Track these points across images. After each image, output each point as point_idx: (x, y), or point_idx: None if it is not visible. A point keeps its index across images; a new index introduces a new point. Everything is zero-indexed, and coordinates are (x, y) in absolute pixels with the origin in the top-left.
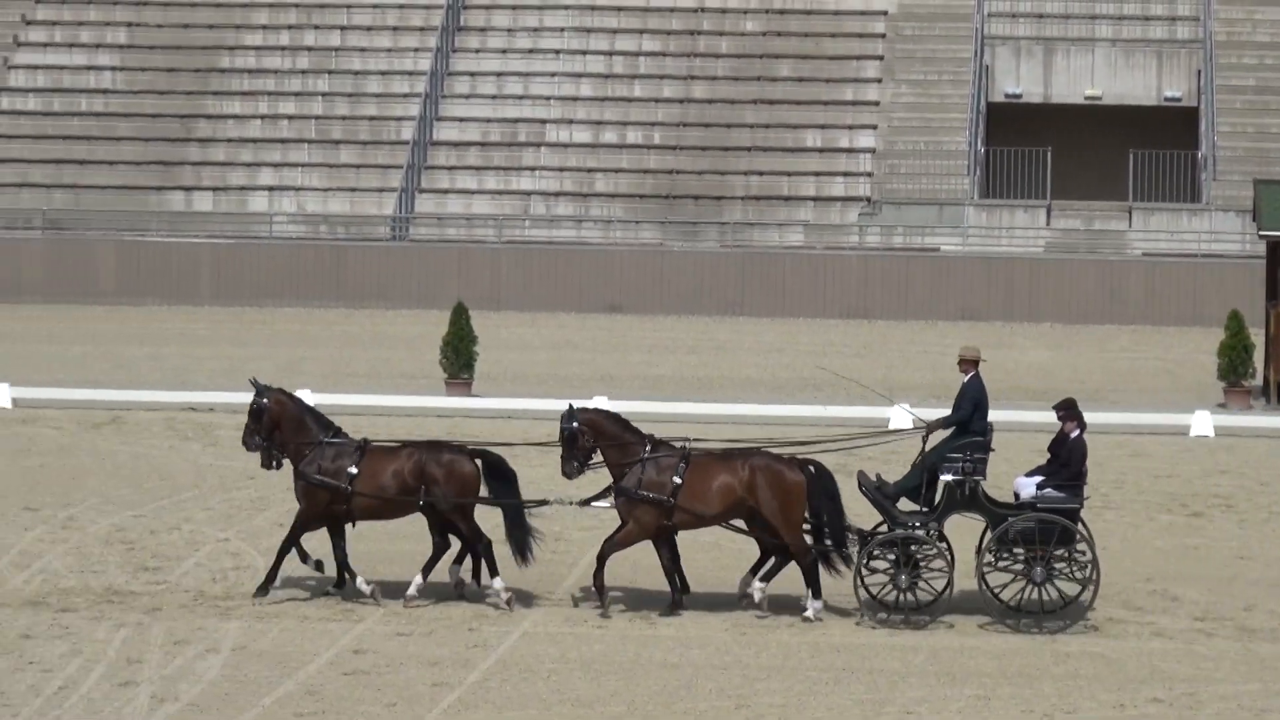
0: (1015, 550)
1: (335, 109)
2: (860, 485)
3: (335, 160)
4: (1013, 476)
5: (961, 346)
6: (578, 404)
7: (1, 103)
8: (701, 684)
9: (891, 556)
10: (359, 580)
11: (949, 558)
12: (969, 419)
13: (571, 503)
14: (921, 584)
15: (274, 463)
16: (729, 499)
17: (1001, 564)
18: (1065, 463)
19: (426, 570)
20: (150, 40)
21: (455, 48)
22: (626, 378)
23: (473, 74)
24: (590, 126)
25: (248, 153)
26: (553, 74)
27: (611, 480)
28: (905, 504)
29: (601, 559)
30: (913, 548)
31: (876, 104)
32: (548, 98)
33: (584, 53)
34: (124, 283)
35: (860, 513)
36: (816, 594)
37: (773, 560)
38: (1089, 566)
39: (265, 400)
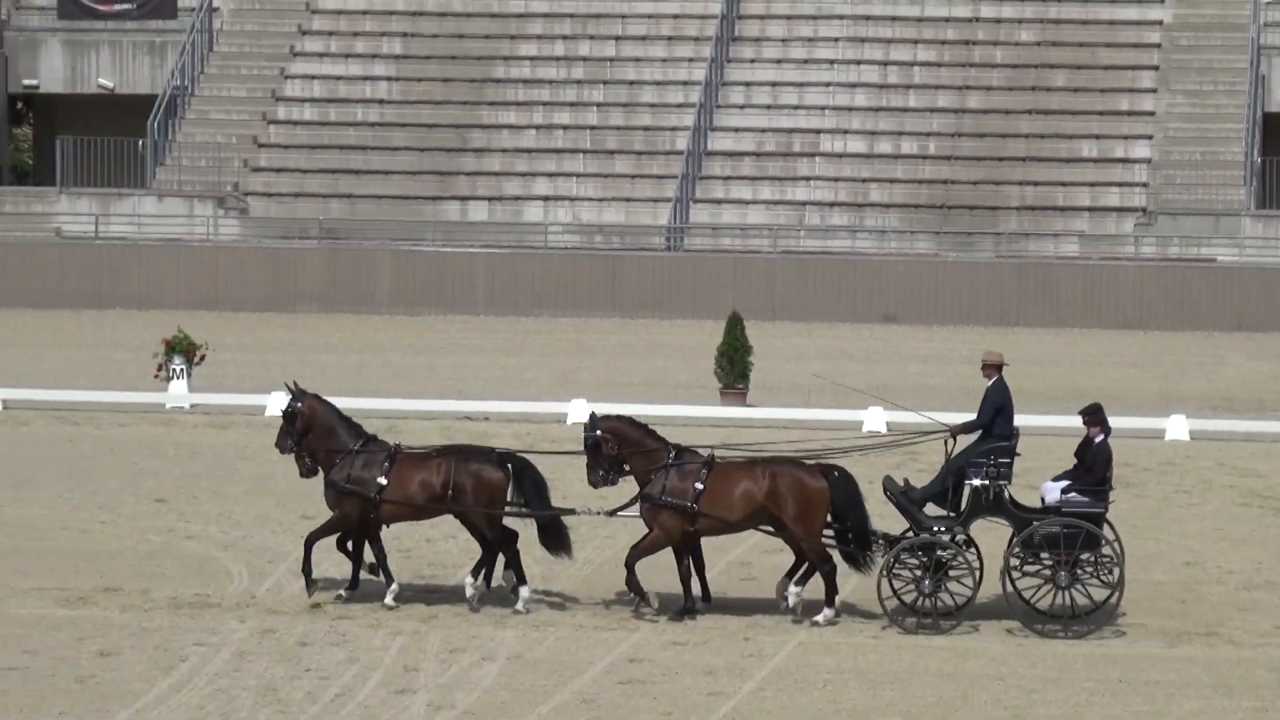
0: (1041, 555)
1: (610, 119)
2: (886, 490)
3: (610, 170)
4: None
5: (984, 352)
6: (601, 411)
7: (278, 113)
8: (977, 694)
9: (916, 561)
10: (391, 588)
11: (975, 563)
12: (991, 423)
13: (599, 513)
14: (948, 589)
15: (307, 471)
16: (750, 505)
17: (1028, 569)
18: (1089, 468)
19: (487, 574)
20: (426, 50)
21: (730, 58)
22: (901, 388)
23: (747, 84)
24: (865, 136)
25: (523, 163)
26: (827, 84)
27: (638, 489)
28: (932, 509)
29: (629, 566)
30: (938, 553)
31: (1152, 114)
32: (822, 108)
33: (858, 62)
34: (400, 292)
35: (886, 517)
36: (830, 602)
37: (807, 564)
38: (1115, 571)
39: (299, 404)
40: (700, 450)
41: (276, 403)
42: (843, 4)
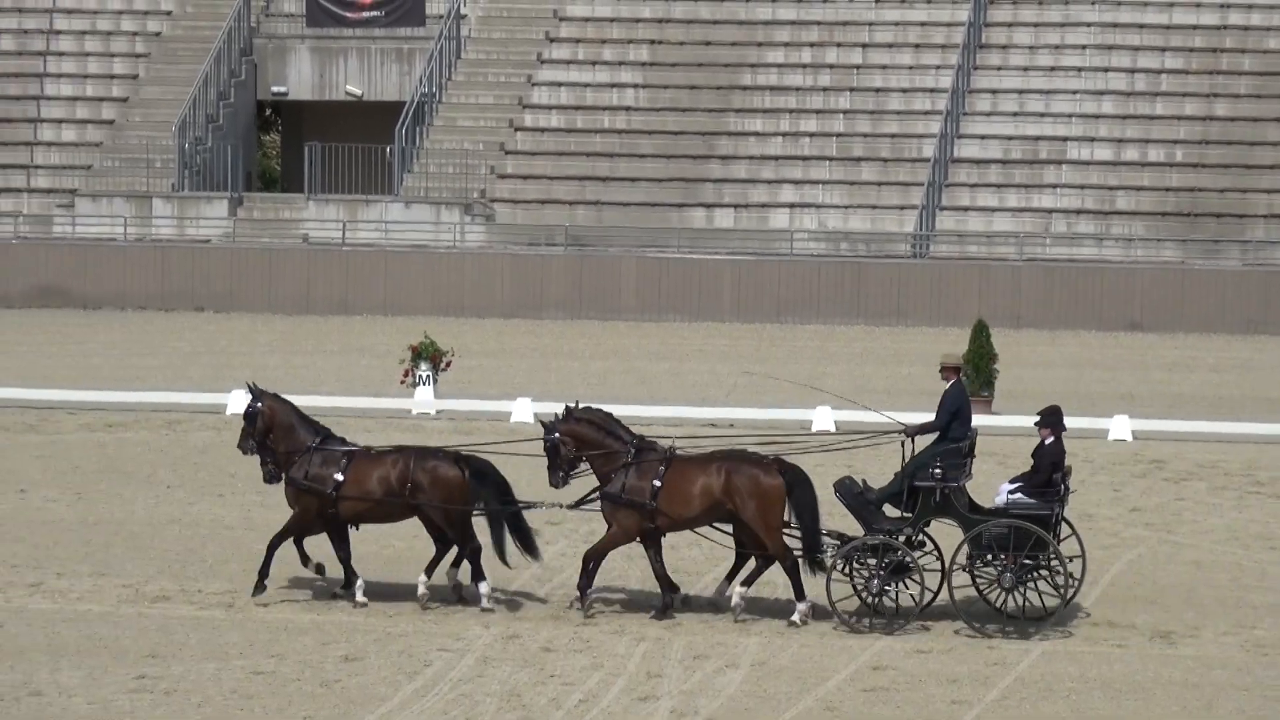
0: (991, 556)
1: (856, 126)
2: (837, 492)
3: (856, 177)
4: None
5: (942, 355)
6: (580, 405)
7: (525, 120)
8: (1222, 704)
9: (867, 562)
10: (357, 585)
11: (930, 564)
12: (947, 426)
13: (563, 506)
14: (904, 588)
15: (270, 476)
16: (708, 501)
17: (977, 570)
18: (1036, 469)
19: (431, 569)
20: (672, 58)
21: (976, 65)
22: (1147, 396)
23: (994, 91)
24: (1112, 144)
25: (769, 170)
26: (1074, 91)
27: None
28: (892, 511)
29: (586, 562)
30: (885, 555)
31: None
32: (1069, 115)
33: (1105, 70)
34: (645, 299)
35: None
36: (800, 595)
37: (754, 564)
38: (1064, 572)
39: (259, 405)
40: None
41: (521, 409)
42: (1090, 12)
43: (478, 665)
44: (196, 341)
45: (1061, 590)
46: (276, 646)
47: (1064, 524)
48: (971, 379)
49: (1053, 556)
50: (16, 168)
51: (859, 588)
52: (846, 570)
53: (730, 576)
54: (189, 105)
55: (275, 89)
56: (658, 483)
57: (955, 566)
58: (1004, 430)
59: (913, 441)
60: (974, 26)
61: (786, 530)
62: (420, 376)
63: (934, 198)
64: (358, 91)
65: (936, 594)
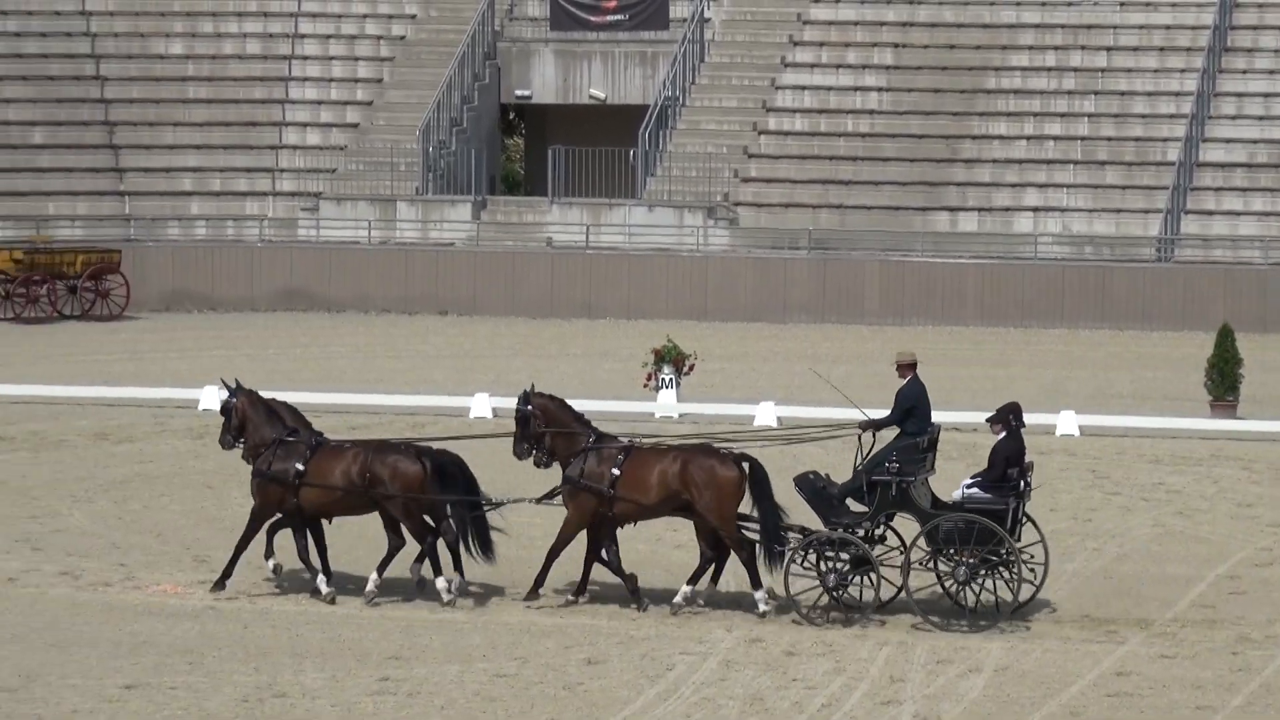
0: (949, 551)
1: (1101, 130)
2: (798, 486)
3: (1100, 181)
4: None
5: (897, 352)
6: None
7: (769, 123)
8: None
9: (823, 556)
10: (319, 580)
11: (884, 557)
12: (903, 421)
13: (528, 500)
14: (860, 583)
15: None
16: (665, 490)
17: (933, 564)
18: (990, 465)
19: (394, 563)
20: (916, 61)
21: (1221, 68)
22: None
23: (1239, 95)
24: None
25: (1013, 173)
26: None
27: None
28: (856, 505)
29: (550, 555)
30: (846, 549)
31: None
32: None
33: None
34: (888, 302)
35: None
36: (757, 584)
37: (713, 566)
38: (1019, 567)
39: (234, 400)
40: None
41: (764, 413)
42: None
43: (720, 669)
44: (440, 345)
45: (1013, 585)
46: (519, 649)
47: (1027, 520)
48: (1216, 384)
49: (1007, 551)
50: (262, 171)
51: (824, 582)
52: (805, 563)
53: (712, 577)
54: (433, 109)
55: (519, 92)
56: (616, 471)
57: (916, 561)
58: (1250, 435)
59: (874, 437)
60: (1219, 30)
61: (746, 523)
62: (663, 380)
63: (1178, 201)
64: (601, 95)
65: (900, 589)
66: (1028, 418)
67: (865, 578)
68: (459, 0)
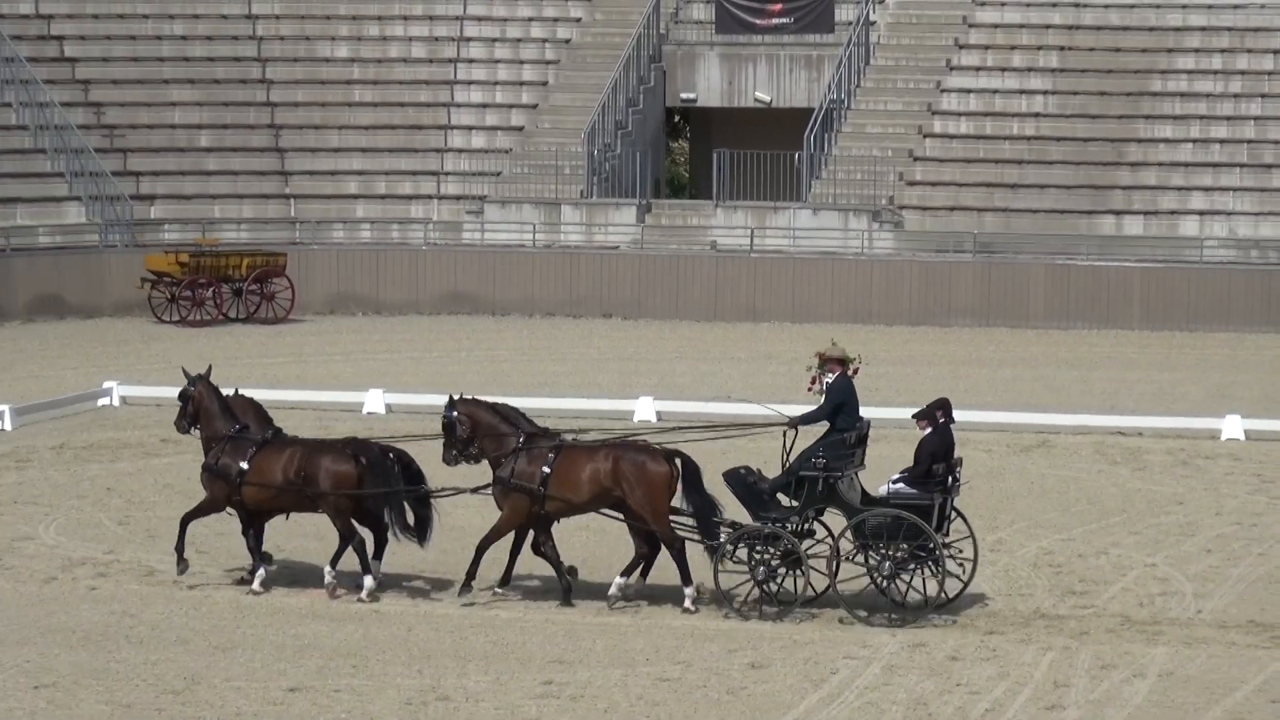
0: (875, 546)
1: (1267, 133)
2: (727, 481)
3: (1267, 184)
4: None
5: (827, 347)
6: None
7: (934, 126)
8: None
9: (752, 551)
10: (258, 572)
11: (811, 552)
12: (831, 416)
13: (462, 491)
14: (796, 576)
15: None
16: (596, 488)
17: (859, 559)
18: (915, 460)
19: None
20: (1081, 64)
21: None
22: None
23: None
24: None
25: (1179, 176)
26: None
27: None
28: (787, 501)
29: (479, 550)
30: (775, 544)
31: None
32: None
33: None
34: (1053, 306)
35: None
36: (687, 581)
37: (644, 562)
38: (943, 562)
39: (191, 389)
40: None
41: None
42: None
43: (883, 673)
44: (604, 348)
45: (940, 578)
46: (682, 653)
47: (957, 515)
48: None
49: (931, 546)
50: (427, 175)
51: (753, 576)
52: (736, 558)
53: (642, 572)
54: (598, 112)
55: (684, 95)
56: (547, 469)
57: (843, 556)
58: None
59: (795, 432)
60: None
61: (679, 519)
62: (827, 383)
63: None
64: (766, 98)
65: (831, 583)
66: (1193, 422)
67: (796, 572)
68: (625, 3)
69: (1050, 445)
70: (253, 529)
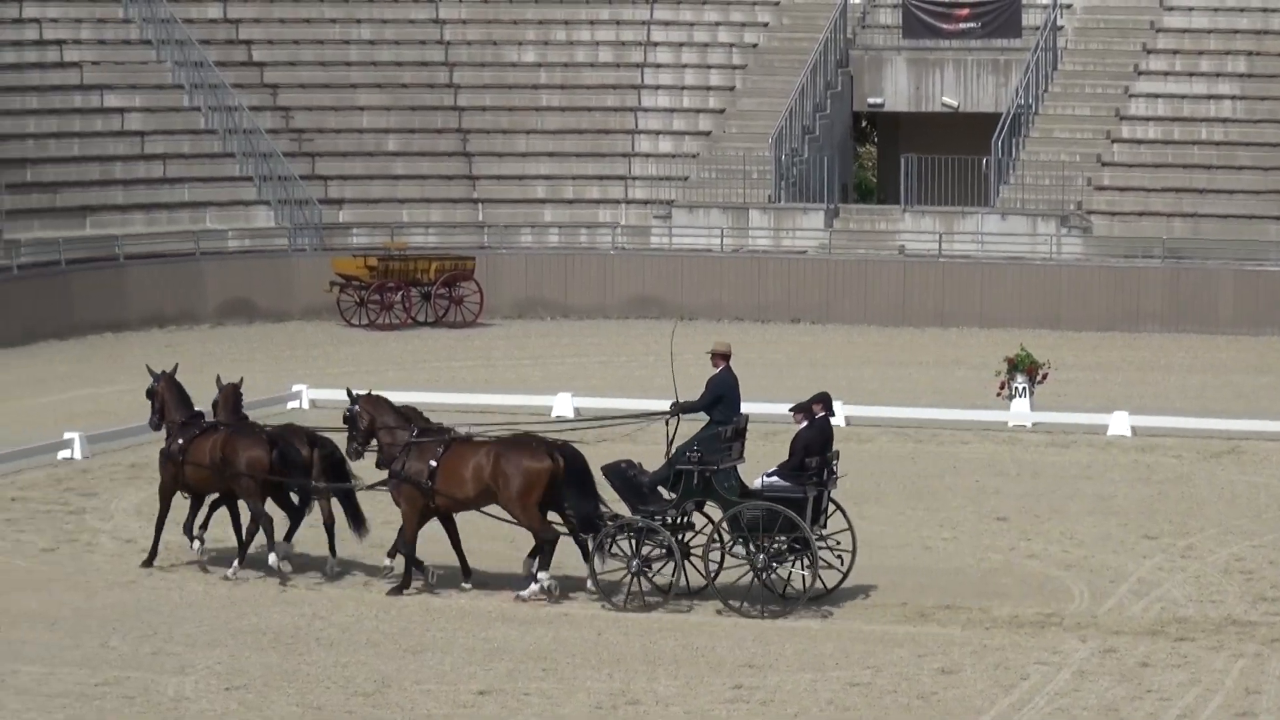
0: (750, 538)
1: None
2: (606, 475)
3: None
4: None
5: (714, 341)
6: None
7: (1122, 131)
8: None
9: (632, 543)
10: (193, 546)
11: (690, 545)
12: (710, 409)
13: (363, 487)
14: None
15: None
16: (479, 483)
17: (737, 550)
18: (790, 453)
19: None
20: (1271, 69)
21: None
22: None
23: None
24: None
25: None
26: None
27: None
28: (668, 494)
29: (407, 557)
30: (651, 537)
31: None
32: None
33: None
34: (1243, 312)
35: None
36: (543, 570)
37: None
38: (814, 554)
39: (156, 384)
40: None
41: (1118, 423)
42: None
43: (1074, 679)
44: (791, 353)
45: (812, 570)
46: (872, 658)
47: (836, 509)
48: None
49: (804, 538)
50: (614, 179)
51: (630, 568)
52: (614, 551)
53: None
54: (785, 116)
55: (871, 100)
56: (434, 463)
57: (716, 548)
58: None
59: (678, 421)
60: None
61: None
62: (1016, 389)
63: None
64: (954, 103)
65: (716, 574)
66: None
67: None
68: (812, 8)
69: (1240, 452)
70: (192, 509)
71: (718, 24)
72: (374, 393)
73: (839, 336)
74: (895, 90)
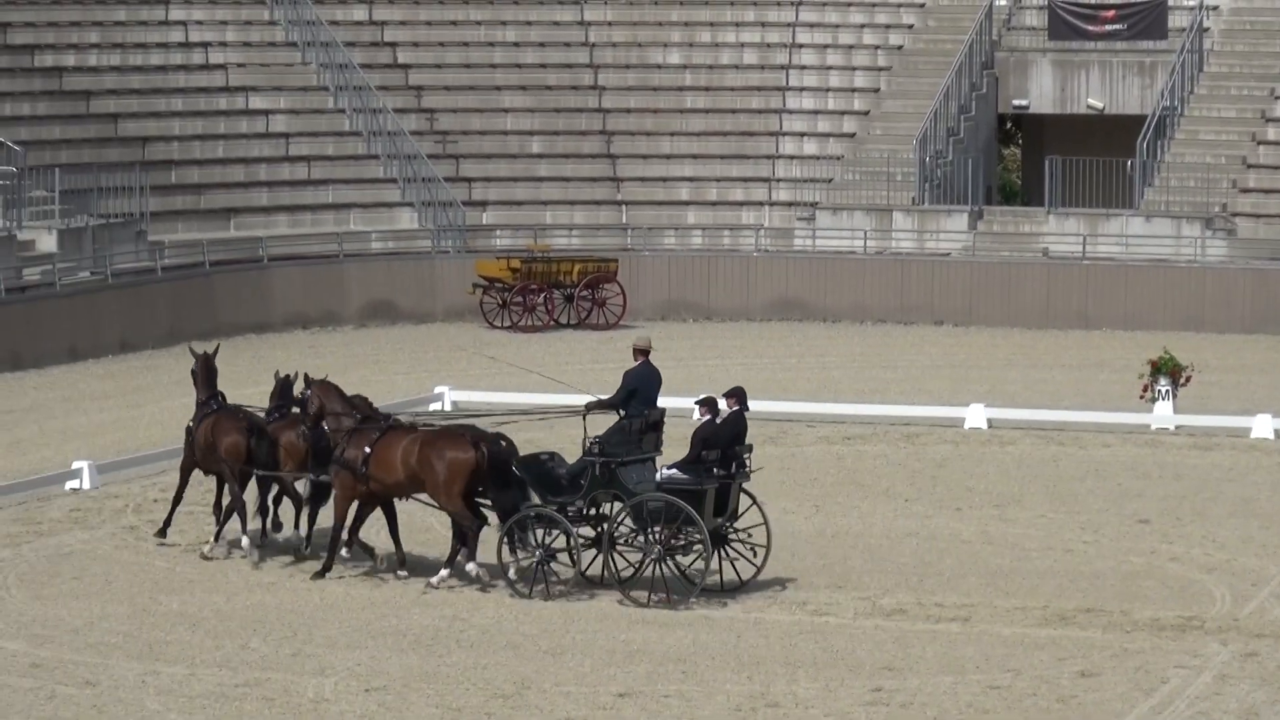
0: (650, 530)
1: None
2: (519, 468)
3: None
4: None
5: (635, 338)
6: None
7: (1268, 133)
8: None
9: (536, 533)
10: (169, 517)
11: (591, 535)
12: (624, 403)
13: (301, 478)
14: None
15: None
16: (407, 469)
17: (638, 541)
18: (689, 447)
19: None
20: None
21: None
22: None
23: None
24: None
25: None
26: None
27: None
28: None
29: (349, 537)
30: (554, 527)
31: None
32: None
33: None
34: None
35: None
36: (449, 563)
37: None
38: (705, 545)
39: (194, 366)
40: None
41: (1261, 426)
42: None
43: (1215, 683)
44: (935, 355)
45: (705, 561)
46: (1012, 661)
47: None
48: None
49: (695, 531)
50: (758, 181)
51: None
52: (520, 540)
53: (497, 547)
54: (929, 118)
55: (1016, 102)
56: (369, 450)
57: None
58: None
59: (590, 414)
60: None
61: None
62: (1159, 391)
63: None
64: (1099, 104)
65: (640, 567)
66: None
67: (606, 556)
68: (957, 10)
69: None
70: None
71: (863, 26)
72: (327, 379)
73: (982, 339)
74: (1040, 92)
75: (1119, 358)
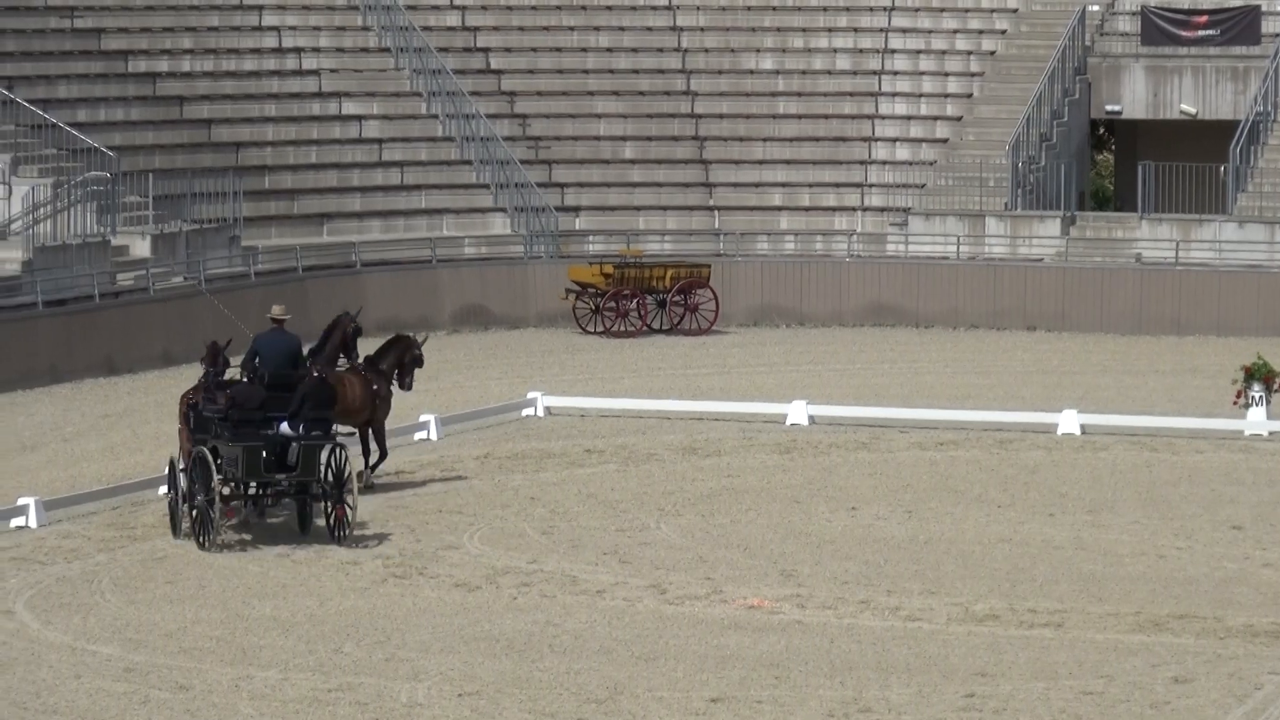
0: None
1: None
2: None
3: None
4: None
5: (273, 306)
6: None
7: None
8: None
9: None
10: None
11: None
12: (247, 364)
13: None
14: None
15: None
16: None
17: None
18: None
19: None
20: None
21: None
22: None
23: None
24: None
25: None
26: None
27: None
28: None
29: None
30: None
31: None
32: None
33: None
34: None
35: None
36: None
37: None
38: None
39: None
40: None
41: None
42: None
43: None
44: (1028, 360)
45: (256, 508)
46: (1105, 667)
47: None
48: None
49: (282, 481)
50: (851, 186)
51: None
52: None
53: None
54: (1022, 124)
55: (1109, 107)
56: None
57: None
58: None
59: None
60: None
61: None
62: (1253, 397)
63: None
64: (1192, 110)
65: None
66: None
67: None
68: (1050, 16)
69: None
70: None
71: (955, 31)
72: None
73: (1075, 345)
74: (1133, 97)
75: (1212, 363)
